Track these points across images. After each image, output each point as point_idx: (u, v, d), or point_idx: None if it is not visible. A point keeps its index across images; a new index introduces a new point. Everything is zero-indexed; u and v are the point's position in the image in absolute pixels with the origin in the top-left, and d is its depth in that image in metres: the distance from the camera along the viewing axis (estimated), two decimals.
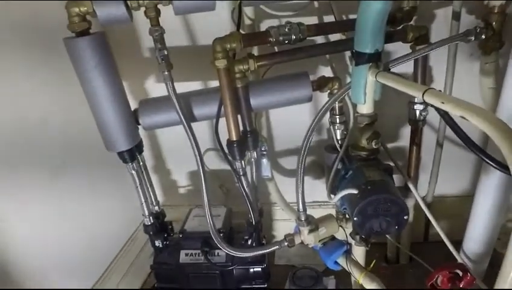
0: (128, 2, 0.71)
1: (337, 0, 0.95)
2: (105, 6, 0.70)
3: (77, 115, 0.98)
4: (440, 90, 0.55)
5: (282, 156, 1.28)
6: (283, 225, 1.35)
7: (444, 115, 0.52)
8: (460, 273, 0.66)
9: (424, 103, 0.91)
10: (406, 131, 1.10)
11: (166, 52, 0.76)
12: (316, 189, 1.24)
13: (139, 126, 0.91)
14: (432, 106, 0.53)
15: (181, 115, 0.81)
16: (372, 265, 0.84)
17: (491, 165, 0.48)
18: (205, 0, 0.72)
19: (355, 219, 0.74)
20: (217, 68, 0.79)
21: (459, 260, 0.89)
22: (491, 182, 0.80)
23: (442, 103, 0.50)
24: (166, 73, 0.77)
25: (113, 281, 1.12)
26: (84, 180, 1.04)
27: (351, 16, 0.99)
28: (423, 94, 0.54)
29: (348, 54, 1.07)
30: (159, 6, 0.74)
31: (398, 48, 0.93)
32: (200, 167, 0.84)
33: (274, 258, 1.32)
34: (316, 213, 0.85)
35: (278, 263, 1.31)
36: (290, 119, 1.13)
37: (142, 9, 0.73)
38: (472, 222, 0.89)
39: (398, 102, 0.97)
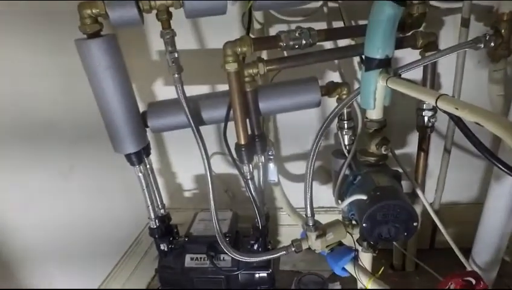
0: (140, 4, 0.72)
1: (346, 2, 0.95)
2: (117, 8, 0.70)
3: (85, 115, 0.98)
4: (453, 96, 0.55)
5: (289, 160, 1.28)
6: (288, 230, 1.34)
7: (458, 122, 0.52)
8: (473, 281, 0.65)
9: (433, 109, 0.92)
10: (414, 137, 1.10)
11: (176, 55, 0.76)
12: (322, 194, 1.24)
13: (147, 129, 0.91)
14: (445, 112, 0.53)
15: (190, 118, 0.81)
16: (380, 271, 0.83)
17: (505, 171, 0.48)
18: (217, 2, 0.73)
19: (364, 224, 0.73)
20: (227, 72, 0.79)
21: (468, 268, 0.88)
22: (503, 189, 0.80)
23: (456, 109, 0.50)
24: (176, 76, 0.77)
25: (118, 284, 1.12)
26: (91, 183, 1.04)
27: (360, 22, 0.99)
28: (436, 100, 0.54)
29: (356, 59, 1.07)
30: (171, 9, 0.74)
31: (406, 55, 0.94)
32: (208, 171, 0.84)
33: (279, 264, 1.32)
34: (322, 219, 0.84)
35: (283, 268, 1.30)
36: (298, 124, 1.13)
37: (154, 11, 0.74)
38: (482, 229, 0.88)
39: (406, 108, 0.97)
